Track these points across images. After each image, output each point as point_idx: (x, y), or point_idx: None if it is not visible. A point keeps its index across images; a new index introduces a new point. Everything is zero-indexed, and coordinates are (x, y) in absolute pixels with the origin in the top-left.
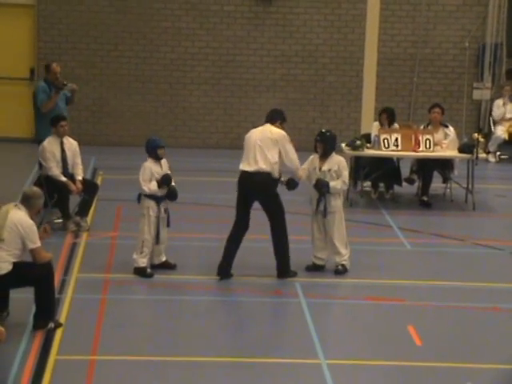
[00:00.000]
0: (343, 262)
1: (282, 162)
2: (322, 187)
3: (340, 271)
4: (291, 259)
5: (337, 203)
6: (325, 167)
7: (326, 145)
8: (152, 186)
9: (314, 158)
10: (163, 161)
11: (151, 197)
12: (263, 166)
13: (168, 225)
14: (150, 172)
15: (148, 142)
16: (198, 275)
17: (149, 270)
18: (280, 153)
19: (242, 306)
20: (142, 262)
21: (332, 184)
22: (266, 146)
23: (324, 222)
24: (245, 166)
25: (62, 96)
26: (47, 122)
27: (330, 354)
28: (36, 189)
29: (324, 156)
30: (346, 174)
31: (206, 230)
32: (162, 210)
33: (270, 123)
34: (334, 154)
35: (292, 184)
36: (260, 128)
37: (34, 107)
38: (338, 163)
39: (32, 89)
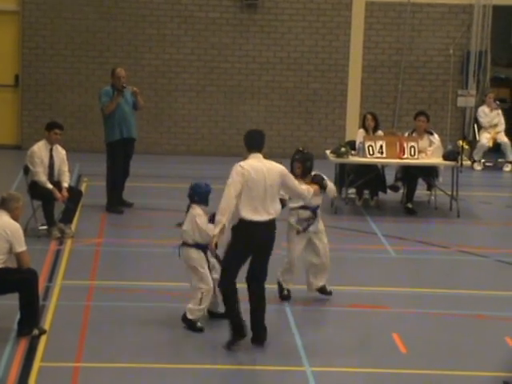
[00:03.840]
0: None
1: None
2: (321, 180)
3: (330, 292)
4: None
5: (321, 226)
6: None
7: (304, 164)
8: (216, 229)
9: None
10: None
11: (199, 247)
12: (274, 213)
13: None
14: (205, 219)
15: (199, 187)
16: (184, 282)
17: (199, 324)
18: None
19: None
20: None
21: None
22: (276, 190)
23: (315, 244)
24: (253, 216)
25: (129, 100)
26: (112, 124)
27: (315, 362)
28: (13, 192)
29: (303, 177)
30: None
31: None
32: (209, 256)
33: (260, 152)
34: (311, 174)
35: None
36: (262, 166)
37: (102, 111)
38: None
39: (17, 95)
